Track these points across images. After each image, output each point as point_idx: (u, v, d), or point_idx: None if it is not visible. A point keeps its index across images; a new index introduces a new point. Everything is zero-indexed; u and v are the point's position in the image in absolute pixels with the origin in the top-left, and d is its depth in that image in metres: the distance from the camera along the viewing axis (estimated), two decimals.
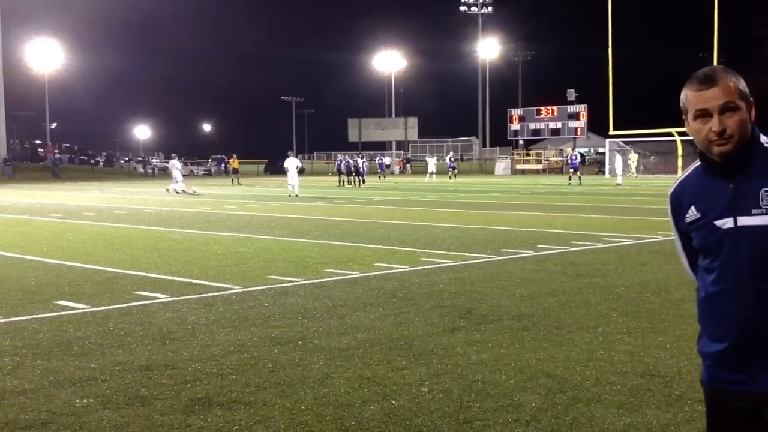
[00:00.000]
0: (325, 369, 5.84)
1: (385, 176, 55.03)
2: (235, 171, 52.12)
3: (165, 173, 78.84)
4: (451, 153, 65.47)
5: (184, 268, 11.11)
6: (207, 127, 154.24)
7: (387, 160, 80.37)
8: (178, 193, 34.98)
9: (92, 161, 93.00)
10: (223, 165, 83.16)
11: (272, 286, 9.49)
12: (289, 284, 9.59)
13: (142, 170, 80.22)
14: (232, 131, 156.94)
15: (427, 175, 53.82)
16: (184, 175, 38.32)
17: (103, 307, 8.25)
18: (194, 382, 5.57)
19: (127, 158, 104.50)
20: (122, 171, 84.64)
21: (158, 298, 8.71)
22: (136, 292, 9.07)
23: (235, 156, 54.29)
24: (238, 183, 50.22)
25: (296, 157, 36.19)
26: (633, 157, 57.28)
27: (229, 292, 9.12)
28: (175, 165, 37.69)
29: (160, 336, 6.94)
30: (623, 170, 47.23)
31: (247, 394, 5.29)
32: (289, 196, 31.42)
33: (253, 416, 4.86)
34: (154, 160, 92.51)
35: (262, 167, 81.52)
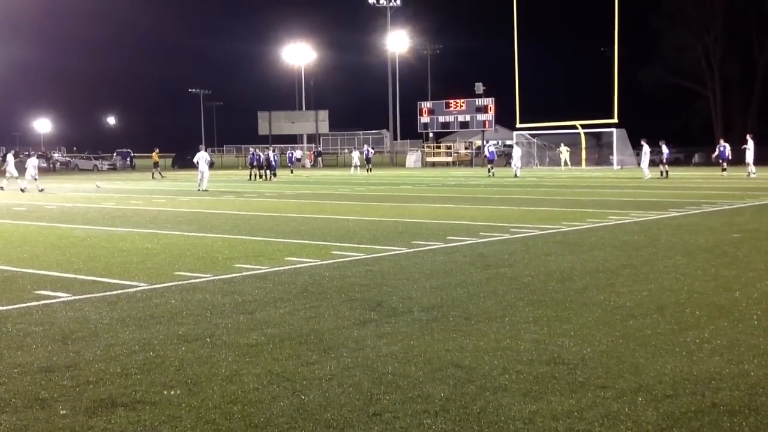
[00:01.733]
0: (234, 366, 5.76)
1: (293, 170, 54.75)
2: (156, 165, 53.39)
3: (68, 168, 76.50)
4: (366, 146, 65.40)
5: (87, 265, 10.78)
6: (111, 121, 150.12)
7: (298, 154, 79.99)
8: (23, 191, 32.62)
9: None
10: (128, 159, 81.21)
11: (179, 282, 9.30)
12: (197, 280, 9.42)
13: (43, 165, 77.42)
14: (138, 124, 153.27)
15: (352, 167, 54.03)
16: (89, 170, 37.20)
17: (1, 308, 7.92)
18: (97, 382, 5.41)
19: (27, 153, 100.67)
20: (21, 166, 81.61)
21: (59, 297, 8.42)
22: (36, 292, 8.75)
23: (156, 150, 55.52)
24: (161, 176, 50.77)
25: (206, 150, 35.46)
26: (564, 150, 58.24)
27: (134, 289, 8.89)
28: (32, 162, 35.71)
29: (62, 336, 6.71)
30: (523, 163, 48.10)
31: (153, 393, 5.16)
32: (198, 190, 30.91)
33: (159, 416, 4.74)
34: (56, 155, 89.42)
35: (169, 161, 79.89)
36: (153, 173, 52.14)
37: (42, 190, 32.88)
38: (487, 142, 60.52)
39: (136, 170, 73.28)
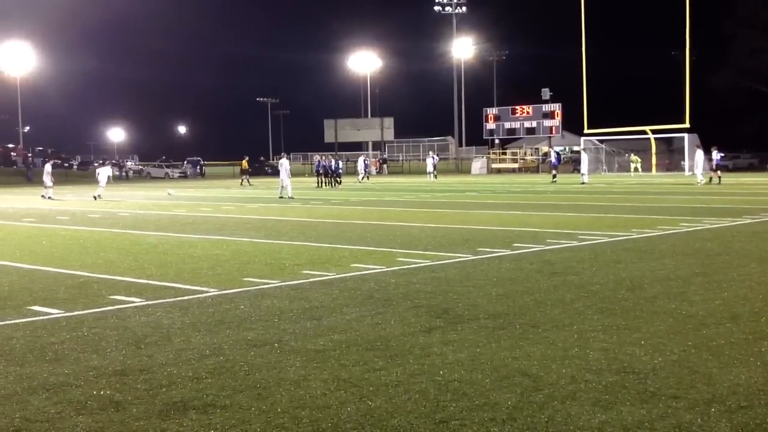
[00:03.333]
0: (302, 371, 5.82)
1: (366, 177, 54.97)
2: (245, 171, 53.92)
3: (140, 176, 78.43)
4: (431, 153, 65.29)
5: (159, 271, 11.03)
6: (182, 129, 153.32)
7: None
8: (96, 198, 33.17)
9: (66, 164, 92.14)
10: (198, 167, 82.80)
11: (248, 288, 9.44)
12: (265, 286, 9.55)
13: (117, 173, 79.57)
14: (208, 133, 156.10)
15: (429, 174, 54.05)
16: (161, 178, 38.22)
17: (76, 312, 8.17)
18: (169, 386, 5.54)
19: (101, 161, 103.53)
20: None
21: (133, 302, 8.64)
22: (110, 297, 9.00)
23: (246, 158, 56.04)
24: (249, 183, 51.31)
25: (288, 158, 35.64)
26: (634, 158, 57.39)
27: (204, 295, 9.07)
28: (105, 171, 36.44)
29: (135, 340, 6.88)
30: (591, 169, 47.48)
31: (223, 397, 5.26)
32: (281, 197, 31.06)
33: (229, 420, 4.83)
34: (129, 163, 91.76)
35: (238, 169, 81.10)
36: (242, 180, 52.87)
37: (96, 197, 33.19)
38: (553, 150, 59.81)
39: (206, 178, 74.68)
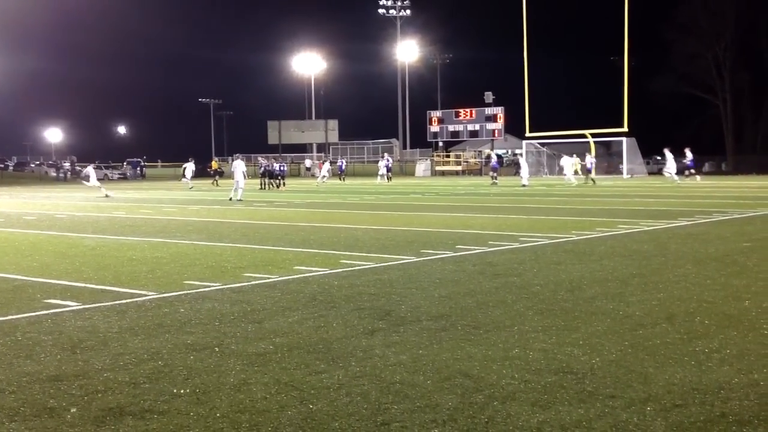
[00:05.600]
0: (242, 375, 5.76)
1: (343, 178, 55.31)
2: (215, 172, 55.00)
3: (78, 177, 76.80)
4: (385, 155, 65.11)
5: (97, 274, 10.82)
6: (122, 130, 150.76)
7: (308, 163, 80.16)
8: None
9: (1, 165, 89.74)
10: (138, 168, 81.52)
11: (188, 291, 9.32)
12: (206, 289, 9.44)
13: (54, 174, 77.82)
14: (149, 134, 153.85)
15: (378, 176, 54.29)
16: (100, 179, 38.23)
17: (10, 317, 7.95)
18: (106, 391, 5.42)
19: (38, 162, 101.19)
20: (33, 175, 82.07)
21: (69, 306, 8.44)
22: (45, 301, 8.78)
23: (216, 159, 58.17)
24: (217, 185, 51.44)
25: (242, 159, 35.42)
26: (575, 162, 58.50)
27: (143, 298, 8.91)
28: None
29: (71, 345, 6.73)
30: (533, 172, 48.54)
31: (161, 402, 5.17)
32: (229, 199, 30.76)
33: (167, 425, 4.75)
34: (66, 164, 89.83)
35: (180, 170, 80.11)
36: (214, 181, 53.54)
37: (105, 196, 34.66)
38: (492, 152, 60.59)
39: (146, 179, 73.55)
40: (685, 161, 45.76)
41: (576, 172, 57.33)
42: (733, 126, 74.91)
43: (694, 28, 71.69)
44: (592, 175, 45.28)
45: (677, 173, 44.54)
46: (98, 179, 38.53)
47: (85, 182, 37.79)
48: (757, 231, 15.69)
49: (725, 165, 70.60)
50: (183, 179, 45.35)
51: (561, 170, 49.14)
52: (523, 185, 41.43)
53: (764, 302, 8.18)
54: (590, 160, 46.24)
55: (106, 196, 34.81)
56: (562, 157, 47.31)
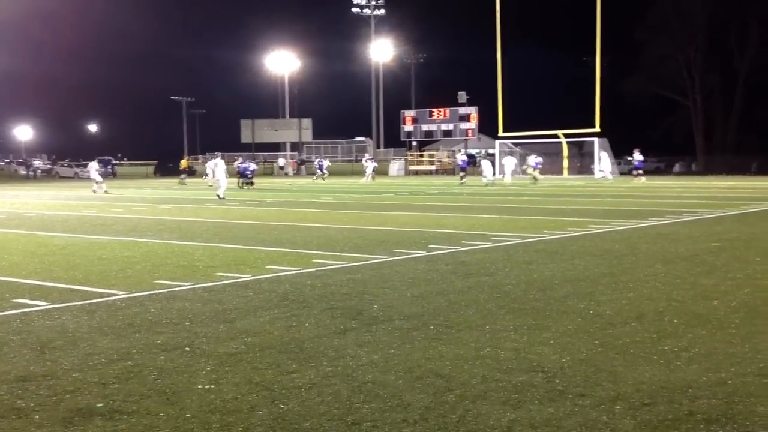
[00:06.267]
0: (213, 375, 5.73)
1: (324, 177, 55.22)
2: (185, 171, 54.06)
3: (49, 175, 75.96)
4: (367, 155, 64.90)
5: (66, 274, 10.70)
6: (93, 128, 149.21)
7: (281, 162, 79.87)
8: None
9: None
10: (109, 167, 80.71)
11: (159, 291, 9.25)
12: (177, 289, 9.37)
13: (23, 172, 76.85)
14: (120, 132, 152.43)
15: (367, 177, 54.30)
16: (70, 177, 38.25)
17: None
18: (74, 392, 5.37)
19: (7, 160, 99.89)
20: (2, 173, 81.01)
21: (38, 306, 8.35)
22: (13, 300, 8.67)
23: (187, 157, 57.75)
24: (184, 183, 50.85)
25: (222, 158, 35.19)
26: (513, 160, 59.05)
27: (113, 298, 8.83)
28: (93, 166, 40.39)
29: (39, 345, 6.65)
30: (508, 172, 49.31)
31: (130, 403, 5.13)
32: (219, 197, 30.57)
33: (136, 426, 4.71)
34: (37, 162, 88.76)
35: (151, 169, 79.53)
36: (180, 180, 52.89)
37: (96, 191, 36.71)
38: (460, 152, 60.86)
39: (117, 178, 72.87)
40: (634, 161, 47.25)
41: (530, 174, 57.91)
42: (704, 127, 75.74)
43: (666, 29, 72.36)
44: (536, 174, 46.96)
45: (613, 174, 46.52)
46: (69, 177, 38.67)
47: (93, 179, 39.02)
48: (726, 231, 15.89)
49: (695, 165, 71.40)
50: (95, 184, 39.05)
51: (513, 168, 50.98)
52: (486, 184, 41.99)
53: (732, 301, 8.29)
54: (535, 160, 47.97)
55: (99, 192, 36.38)
56: (505, 156, 49.41)
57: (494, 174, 45.89)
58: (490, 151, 76.71)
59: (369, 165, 56.04)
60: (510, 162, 49.03)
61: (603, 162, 52.50)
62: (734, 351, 6.26)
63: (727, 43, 73.57)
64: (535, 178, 46.67)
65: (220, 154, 35.64)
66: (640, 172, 46.60)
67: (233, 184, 43.14)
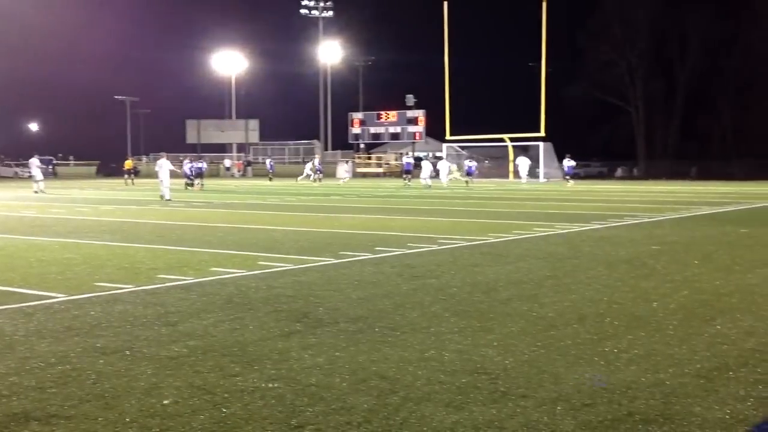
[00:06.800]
0: (153, 379, 5.64)
1: (270, 178, 54.97)
2: (129, 171, 54.29)
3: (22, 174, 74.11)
4: (317, 157, 64.36)
5: (3, 276, 10.43)
6: (34, 127, 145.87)
7: (227, 163, 79.13)
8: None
9: None
10: (50, 166, 78.97)
11: (99, 293, 9.07)
12: (119, 291, 9.21)
13: None
14: (62, 131, 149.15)
15: (306, 176, 54.31)
16: (9, 177, 37.65)
17: None
18: (10, 396, 5.23)
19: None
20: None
21: None
22: None
23: (131, 157, 57.87)
24: (132, 183, 51.16)
25: (167, 158, 34.62)
26: (448, 164, 59.73)
27: (52, 300, 8.64)
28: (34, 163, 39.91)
29: None
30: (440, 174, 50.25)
31: (68, 407, 5.01)
32: (162, 198, 30.08)
33: (74, 430, 4.61)
34: None
35: (94, 169, 78.10)
36: (125, 179, 52.75)
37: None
38: (407, 154, 61.22)
39: (58, 178, 71.37)
40: (564, 167, 49.44)
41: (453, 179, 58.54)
42: (645, 132, 77.39)
43: (609, 36, 73.77)
44: (467, 178, 48.56)
45: (547, 177, 48.67)
46: (9, 177, 38.06)
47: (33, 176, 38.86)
48: (665, 234, 16.23)
49: (637, 170, 72.88)
50: (35, 184, 38.59)
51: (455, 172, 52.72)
52: (424, 186, 43.23)
53: (671, 304, 8.46)
54: (469, 164, 49.59)
55: (39, 192, 36.37)
56: (440, 160, 51.39)
57: (431, 176, 46.75)
58: (438, 153, 77.19)
59: (307, 166, 56.31)
60: (444, 166, 50.35)
61: (521, 166, 54.75)
62: (672, 352, 6.39)
63: (669, 50, 75.31)
64: (467, 183, 47.82)
65: (165, 154, 35.04)
66: (567, 177, 48.82)
67: (179, 185, 42.66)
